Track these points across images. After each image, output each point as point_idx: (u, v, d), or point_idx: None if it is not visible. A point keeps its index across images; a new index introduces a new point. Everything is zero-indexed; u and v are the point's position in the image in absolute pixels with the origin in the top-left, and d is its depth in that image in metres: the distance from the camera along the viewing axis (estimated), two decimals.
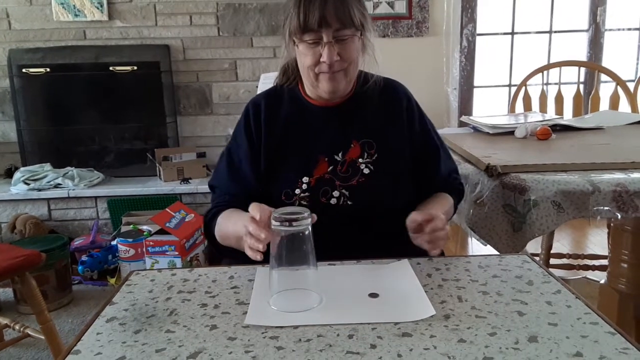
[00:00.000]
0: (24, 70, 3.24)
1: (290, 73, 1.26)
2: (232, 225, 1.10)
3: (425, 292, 0.87)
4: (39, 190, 3.06)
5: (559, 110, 2.54)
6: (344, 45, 1.11)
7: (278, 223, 0.82)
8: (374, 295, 0.87)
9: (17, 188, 3.06)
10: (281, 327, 0.77)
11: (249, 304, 0.86)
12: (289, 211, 0.84)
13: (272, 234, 0.84)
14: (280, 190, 1.19)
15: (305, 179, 1.18)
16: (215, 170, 1.30)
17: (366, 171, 1.19)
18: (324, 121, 1.23)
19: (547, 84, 2.55)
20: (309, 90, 1.23)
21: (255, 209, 0.91)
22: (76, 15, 3.23)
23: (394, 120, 1.23)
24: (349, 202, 1.17)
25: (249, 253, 0.92)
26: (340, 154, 1.20)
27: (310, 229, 0.84)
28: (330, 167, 1.19)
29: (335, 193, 1.18)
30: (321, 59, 1.11)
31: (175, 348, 0.73)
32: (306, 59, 1.13)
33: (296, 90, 1.26)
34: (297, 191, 1.18)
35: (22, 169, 3.18)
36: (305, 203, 1.17)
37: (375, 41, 1.21)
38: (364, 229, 1.16)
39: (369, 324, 0.77)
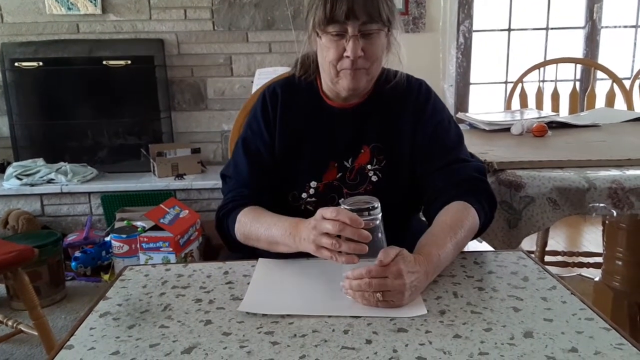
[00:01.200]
0: (16, 64, 3.22)
1: (309, 66, 1.21)
2: (264, 229, 1.02)
3: None
4: (32, 185, 3.04)
5: (555, 107, 2.54)
6: (370, 40, 1.06)
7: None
8: None
9: (9, 183, 3.04)
10: (276, 322, 0.77)
11: (243, 299, 0.85)
12: (360, 200, 0.83)
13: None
14: (287, 191, 1.16)
15: (313, 184, 1.15)
16: (230, 161, 1.24)
17: (374, 179, 1.15)
18: (338, 124, 1.17)
19: (544, 81, 2.56)
20: (326, 88, 1.18)
21: (335, 212, 0.83)
22: (69, 9, 3.20)
23: (404, 122, 1.17)
24: None
25: (341, 260, 0.83)
26: (350, 160, 1.16)
27: (381, 218, 0.83)
28: (340, 174, 1.16)
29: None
30: (345, 54, 1.06)
31: (170, 343, 0.72)
32: (329, 53, 1.07)
33: (314, 86, 1.20)
34: (304, 195, 1.15)
35: (14, 164, 3.16)
36: (311, 208, 1.14)
37: (400, 43, 1.15)
38: None
39: (364, 319, 0.77)
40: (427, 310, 0.79)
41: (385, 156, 1.15)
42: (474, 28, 3.60)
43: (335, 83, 1.12)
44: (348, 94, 1.13)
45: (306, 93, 1.20)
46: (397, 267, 0.81)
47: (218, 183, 3.17)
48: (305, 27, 1.13)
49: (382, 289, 0.80)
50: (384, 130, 1.16)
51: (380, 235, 0.84)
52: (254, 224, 1.05)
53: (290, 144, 1.17)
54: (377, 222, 0.83)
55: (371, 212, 0.82)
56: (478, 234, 1.07)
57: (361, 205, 0.82)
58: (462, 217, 1.00)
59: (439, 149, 1.14)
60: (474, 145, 1.56)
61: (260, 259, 0.99)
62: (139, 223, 2.69)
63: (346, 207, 0.82)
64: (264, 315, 0.79)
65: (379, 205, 0.83)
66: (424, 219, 1.19)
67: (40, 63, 3.22)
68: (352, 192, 1.15)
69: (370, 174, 1.15)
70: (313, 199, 1.15)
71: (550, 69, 2.56)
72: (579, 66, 2.83)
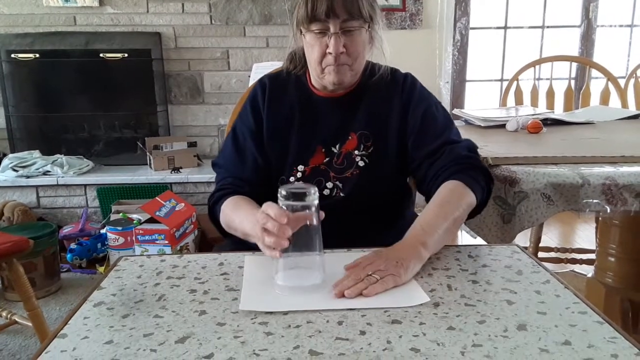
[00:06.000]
0: (12, 55, 3.21)
1: (298, 60, 1.26)
2: (238, 221, 1.07)
3: (415, 280, 0.87)
4: (28, 177, 3.03)
5: (550, 104, 2.55)
6: (351, 37, 1.11)
7: (285, 198, 0.83)
8: None
9: (5, 175, 3.03)
10: (271, 312, 0.77)
11: (238, 290, 0.85)
12: (296, 186, 0.84)
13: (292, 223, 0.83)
14: (276, 175, 1.21)
15: (300, 167, 1.20)
16: (221, 149, 1.30)
17: (361, 164, 1.19)
18: (325, 112, 1.22)
19: (539, 78, 2.56)
20: (314, 81, 1.23)
21: (270, 207, 0.86)
22: (66, 1, 3.19)
23: (391, 112, 1.21)
24: (342, 194, 1.18)
25: (267, 252, 0.88)
26: (337, 146, 1.20)
27: (317, 205, 0.83)
28: (327, 159, 1.20)
29: (329, 184, 1.19)
30: (327, 50, 1.11)
31: (164, 333, 0.72)
32: (313, 50, 1.13)
33: (303, 79, 1.26)
34: (292, 179, 1.20)
35: (10, 155, 3.15)
36: None
37: (383, 36, 1.20)
38: (356, 220, 1.17)
39: (358, 310, 0.77)
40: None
41: (373, 143, 1.19)
42: (471, 25, 3.61)
43: (321, 78, 1.17)
44: (334, 87, 1.18)
45: (295, 85, 1.25)
46: (375, 252, 0.89)
47: (214, 177, 3.18)
48: (290, 25, 1.18)
49: (376, 268, 0.84)
50: (372, 119, 1.21)
51: (315, 222, 0.84)
52: (232, 216, 1.10)
53: (279, 129, 1.22)
54: (313, 209, 0.83)
55: (304, 198, 0.82)
56: (480, 208, 1.11)
57: (297, 191, 0.83)
58: (452, 193, 1.05)
59: (430, 134, 1.17)
60: None
61: (246, 257, 0.98)
62: (134, 215, 2.69)
63: (282, 191, 0.83)
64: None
65: (316, 193, 0.83)
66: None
67: (37, 55, 3.21)
68: (338, 175, 1.19)
69: (357, 159, 1.19)
70: (300, 182, 1.19)
71: (546, 66, 2.57)
72: (574, 64, 2.84)
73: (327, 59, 1.12)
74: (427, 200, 1.12)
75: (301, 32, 1.14)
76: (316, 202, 0.83)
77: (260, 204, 1.09)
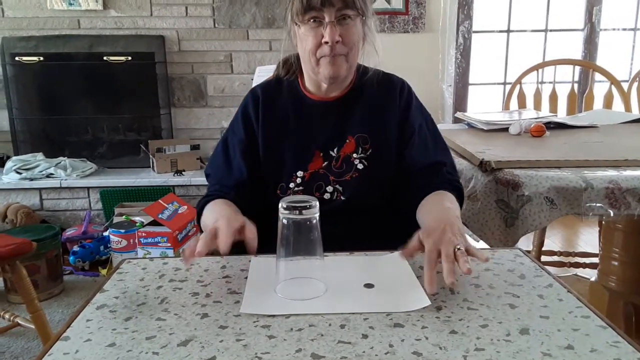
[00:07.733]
0: (17, 58, 3.22)
1: (291, 65, 1.26)
2: (207, 215, 1.10)
3: (418, 283, 0.87)
4: (31, 179, 3.04)
5: (553, 108, 2.55)
6: (346, 27, 1.11)
7: (287, 211, 0.82)
8: (369, 285, 0.87)
9: (8, 177, 3.04)
10: (273, 316, 0.77)
11: (241, 293, 0.85)
12: (298, 199, 0.84)
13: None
14: (275, 182, 1.20)
15: (299, 173, 1.19)
16: (211, 157, 1.30)
17: (360, 166, 1.19)
18: (321, 116, 1.22)
19: (542, 82, 2.56)
20: (308, 82, 1.23)
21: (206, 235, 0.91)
22: (70, 4, 3.20)
23: (389, 115, 1.21)
24: (342, 198, 1.18)
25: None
26: (335, 150, 1.20)
27: (317, 217, 0.84)
28: (325, 163, 1.19)
29: (329, 188, 1.18)
30: (323, 40, 1.10)
31: (166, 336, 0.72)
32: (308, 41, 1.12)
33: (295, 84, 1.25)
34: (292, 185, 1.19)
35: (14, 158, 3.16)
36: None
37: (376, 33, 1.20)
38: (357, 224, 1.17)
39: (361, 314, 0.77)
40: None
41: (371, 145, 1.19)
42: (474, 29, 3.61)
43: (316, 73, 1.16)
44: (329, 83, 1.17)
45: (288, 90, 1.25)
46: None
47: None
48: (284, 23, 1.18)
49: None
50: (368, 122, 1.21)
51: (317, 234, 0.84)
52: (205, 214, 1.12)
53: (275, 137, 1.21)
54: (314, 221, 0.83)
55: (303, 211, 0.82)
56: None
57: (298, 204, 0.83)
58: (438, 195, 1.11)
59: (420, 152, 1.20)
60: (471, 144, 1.57)
61: (252, 259, 0.99)
62: (137, 218, 2.69)
63: (283, 204, 0.83)
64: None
65: (317, 205, 0.84)
66: None
67: (41, 58, 3.22)
68: (338, 179, 1.19)
69: (356, 162, 1.19)
70: (300, 187, 1.18)
71: (549, 70, 2.57)
72: (577, 68, 2.84)
73: (323, 49, 1.12)
74: (406, 205, 1.15)
75: (296, 24, 1.13)
76: (317, 214, 0.83)
77: (253, 212, 1.10)
